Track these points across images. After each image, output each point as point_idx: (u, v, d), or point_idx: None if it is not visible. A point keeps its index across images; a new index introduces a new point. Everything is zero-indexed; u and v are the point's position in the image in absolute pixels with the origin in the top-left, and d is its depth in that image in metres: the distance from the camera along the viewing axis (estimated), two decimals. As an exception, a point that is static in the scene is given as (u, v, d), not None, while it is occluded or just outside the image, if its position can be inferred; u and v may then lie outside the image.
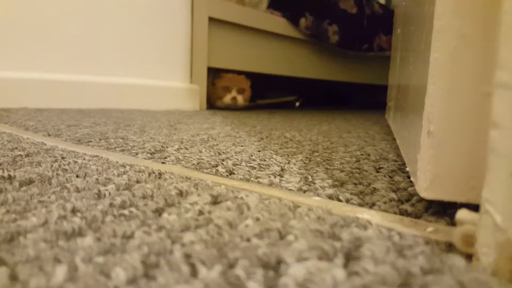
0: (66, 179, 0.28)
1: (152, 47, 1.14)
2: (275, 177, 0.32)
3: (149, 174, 0.31)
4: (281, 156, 0.42)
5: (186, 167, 0.35)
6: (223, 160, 0.39)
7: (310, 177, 0.33)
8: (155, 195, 0.25)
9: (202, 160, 0.38)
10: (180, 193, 0.26)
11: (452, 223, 0.22)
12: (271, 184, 0.30)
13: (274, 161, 0.39)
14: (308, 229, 0.20)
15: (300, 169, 0.36)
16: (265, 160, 0.40)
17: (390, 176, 0.34)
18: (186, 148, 0.45)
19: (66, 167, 0.32)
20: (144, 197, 0.25)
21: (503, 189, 0.16)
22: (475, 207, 0.18)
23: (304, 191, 0.28)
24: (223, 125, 0.75)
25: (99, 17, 1.02)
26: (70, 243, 0.17)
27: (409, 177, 0.33)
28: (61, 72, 0.97)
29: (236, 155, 0.42)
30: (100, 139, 0.49)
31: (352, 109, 1.70)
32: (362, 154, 0.46)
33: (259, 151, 0.45)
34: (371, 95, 1.90)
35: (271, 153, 0.44)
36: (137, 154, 0.40)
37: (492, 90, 0.17)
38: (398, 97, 0.57)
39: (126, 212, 0.22)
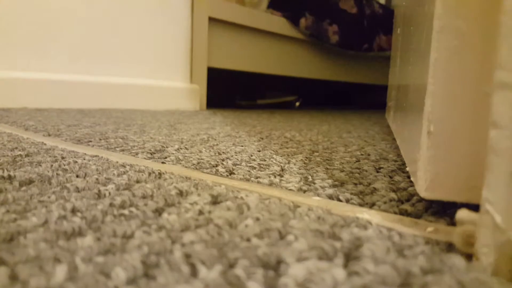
0: (66, 179, 0.28)
1: (152, 47, 1.14)
2: (275, 177, 0.32)
3: (149, 174, 0.31)
4: (281, 156, 0.42)
5: (186, 167, 0.35)
6: (223, 160, 0.39)
7: (310, 177, 0.33)
8: (155, 195, 0.25)
9: (202, 160, 0.38)
10: (180, 193, 0.26)
11: (452, 223, 0.22)
12: (271, 184, 0.30)
13: (274, 161, 0.39)
14: (308, 229, 0.20)
15: (300, 169, 0.36)
16: (265, 160, 0.40)
17: (390, 176, 0.34)
18: (186, 148, 0.45)
19: (66, 167, 0.32)
20: (144, 197, 0.25)
21: (503, 189, 0.16)
22: (475, 207, 0.18)
23: (304, 191, 0.28)
24: (223, 125, 0.75)
25: (99, 17, 1.02)
26: (70, 243, 0.17)
27: (409, 177, 0.33)
28: (61, 72, 0.97)
29: (236, 155, 0.42)
30: (100, 139, 0.49)
31: (352, 109, 1.70)
32: (362, 154, 0.46)
33: (259, 151, 0.45)
34: (371, 95, 1.90)
35: (271, 153, 0.44)
36: (137, 154, 0.40)
37: (492, 90, 0.17)
38: (398, 97, 0.57)
39: (126, 212, 0.22)
